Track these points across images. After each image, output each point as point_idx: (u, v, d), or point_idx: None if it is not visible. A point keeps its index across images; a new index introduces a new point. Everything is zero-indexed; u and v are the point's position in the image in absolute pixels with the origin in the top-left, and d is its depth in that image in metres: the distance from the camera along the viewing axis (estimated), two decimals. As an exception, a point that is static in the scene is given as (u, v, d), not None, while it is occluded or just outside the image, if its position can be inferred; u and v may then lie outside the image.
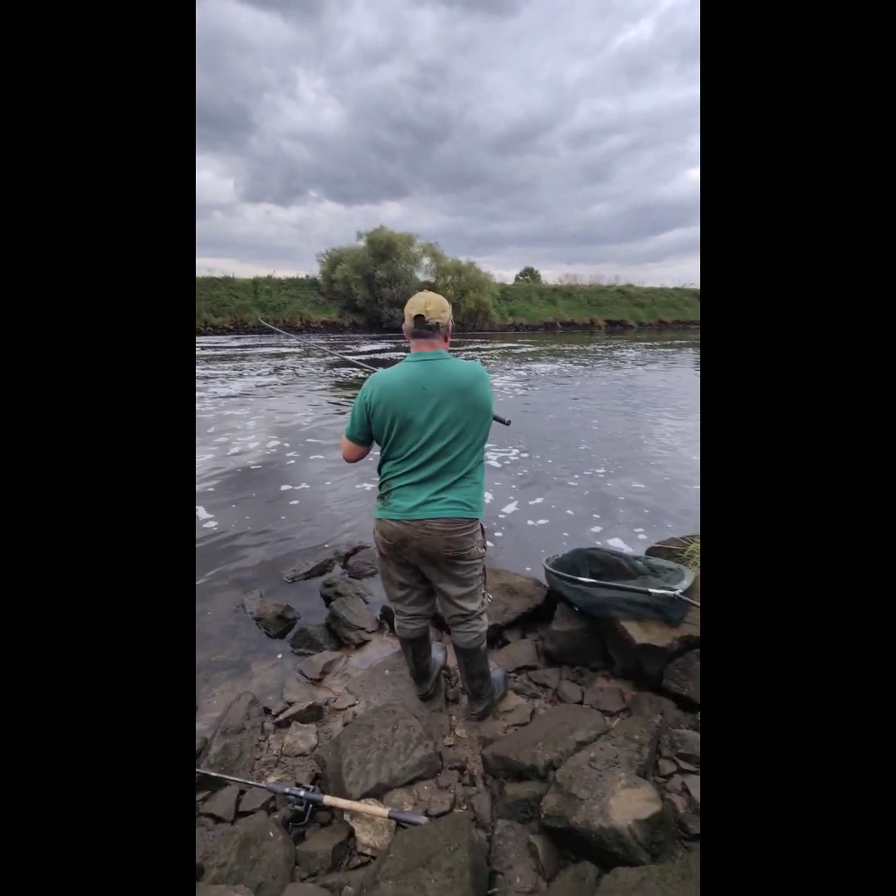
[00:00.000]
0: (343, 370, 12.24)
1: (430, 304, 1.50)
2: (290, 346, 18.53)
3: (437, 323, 1.49)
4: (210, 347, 18.34)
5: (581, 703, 1.81)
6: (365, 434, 1.57)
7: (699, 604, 1.80)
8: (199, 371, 12.07)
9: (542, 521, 3.75)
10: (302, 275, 30.90)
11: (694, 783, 1.30)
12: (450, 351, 1.57)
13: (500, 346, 20.38)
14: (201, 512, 3.86)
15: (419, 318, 1.49)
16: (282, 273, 30.60)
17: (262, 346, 18.88)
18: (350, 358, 3.04)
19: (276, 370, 12.52)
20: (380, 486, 1.59)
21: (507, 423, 2.06)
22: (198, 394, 8.84)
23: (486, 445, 1.60)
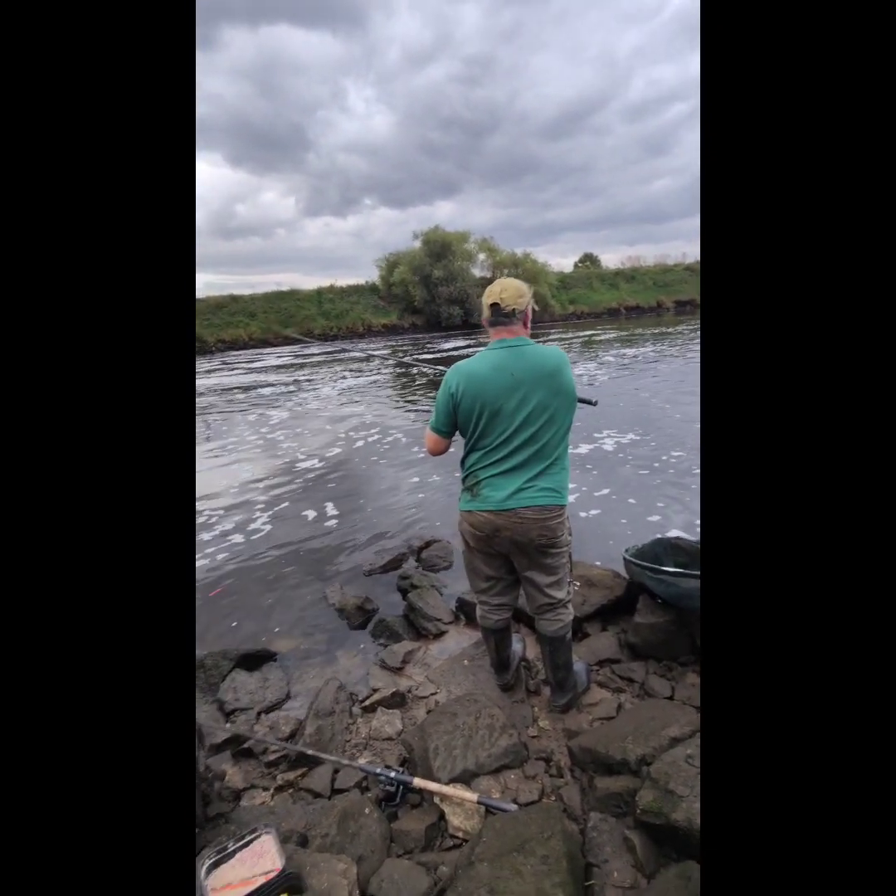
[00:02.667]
0: (411, 370, 12.42)
1: (505, 290, 1.48)
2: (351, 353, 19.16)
3: (514, 309, 1.47)
4: (288, 355, 19.40)
5: (671, 698, 1.72)
6: (450, 425, 1.56)
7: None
8: (286, 377, 12.77)
9: (615, 514, 3.62)
10: (362, 281, 31.92)
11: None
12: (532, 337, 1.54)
13: (581, 334, 19.88)
14: (283, 509, 4.09)
15: (495, 307, 1.48)
16: (343, 281, 31.75)
17: (323, 353, 19.69)
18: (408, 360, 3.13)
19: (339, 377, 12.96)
20: (465, 478, 1.58)
21: (594, 404, 2.02)
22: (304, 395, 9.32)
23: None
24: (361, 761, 1.63)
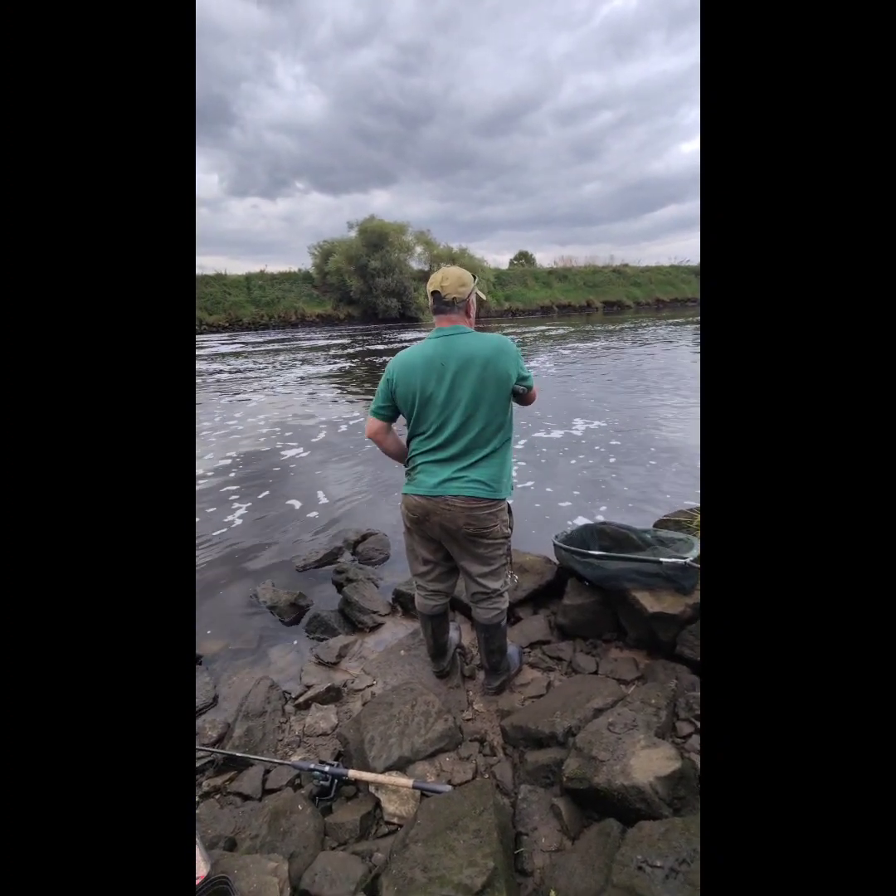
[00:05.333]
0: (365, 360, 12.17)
1: (447, 279, 1.48)
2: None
3: (454, 298, 1.47)
4: (213, 346, 18.27)
5: (596, 673, 1.83)
6: (389, 410, 1.59)
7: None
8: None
9: (546, 501, 3.77)
10: (294, 268, 30.69)
11: (712, 742, 1.32)
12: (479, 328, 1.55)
13: (535, 328, 20.35)
14: (212, 507, 3.88)
15: (435, 295, 1.49)
16: (274, 267, 30.30)
17: (271, 342, 18.78)
18: None
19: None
20: (406, 462, 1.62)
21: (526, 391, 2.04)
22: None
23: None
24: (294, 759, 1.59)
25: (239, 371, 11.75)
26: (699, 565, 1.82)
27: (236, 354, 15.35)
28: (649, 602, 1.81)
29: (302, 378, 10.35)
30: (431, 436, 1.50)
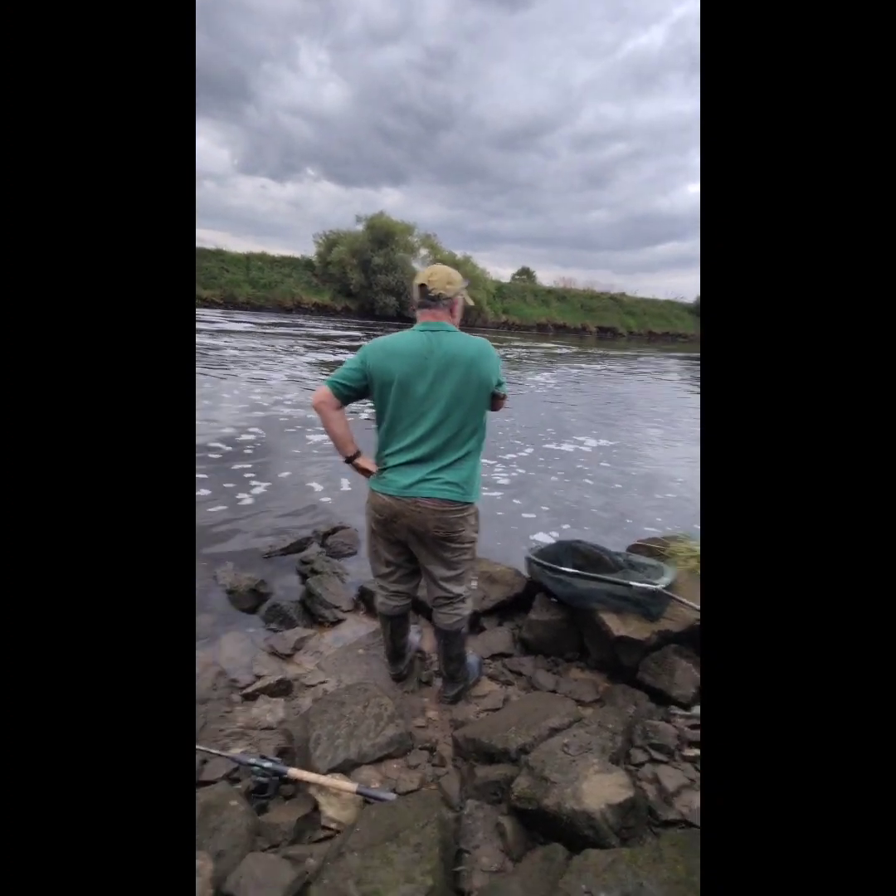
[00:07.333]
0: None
1: (435, 274, 1.46)
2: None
3: (440, 294, 1.44)
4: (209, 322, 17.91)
5: (555, 691, 1.80)
6: (349, 390, 1.47)
7: (679, 599, 1.81)
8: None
9: (510, 510, 3.75)
10: (296, 254, 30.35)
11: (665, 773, 1.30)
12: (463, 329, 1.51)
13: (541, 345, 20.46)
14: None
15: (422, 287, 1.45)
16: (275, 250, 29.98)
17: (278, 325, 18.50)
18: None
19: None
20: (376, 459, 1.54)
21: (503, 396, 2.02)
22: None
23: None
24: (234, 751, 1.51)
25: (253, 349, 11.59)
26: (669, 592, 1.81)
27: (248, 333, 15.06)
28: (616, 625, 1.79)
29: (319, 363, 10.32)
30: (405, 432, 1.44)
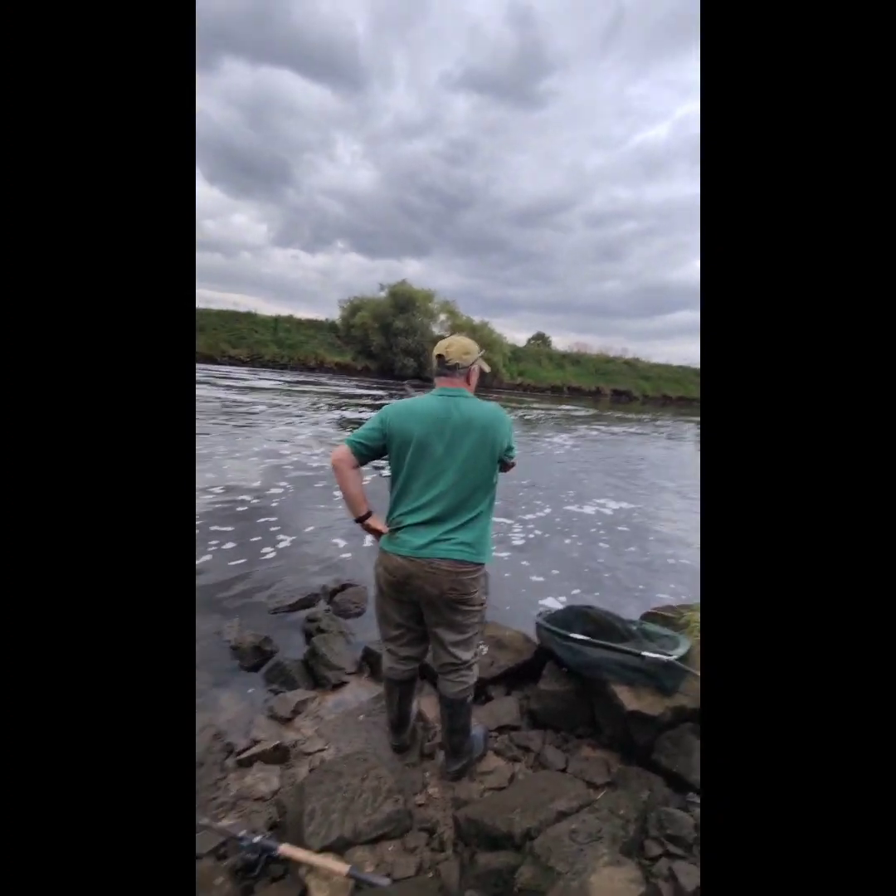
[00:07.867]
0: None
1: (452, 345, 1.55)
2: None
3: (457, 363, 1.53)
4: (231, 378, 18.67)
5: (564, 770, 1.70)
6: (368, 450, 1.51)
7: (696, 672, 1.73)
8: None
9: (518, 572, 3.67)
10: (321, 317, 32.14)
11: (682, 869, 1.19)
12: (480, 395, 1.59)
13: (559, 407, 20.91)
14: (211, 538, 3.79)
15: (440, 358, 1.54)
16: (303, 314, 31.81)
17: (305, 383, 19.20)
18: None
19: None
20: (388, 520, 1.55)
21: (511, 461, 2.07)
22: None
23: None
24: (225, 823, 1.44)
25: (277, 405, 12.15)
26: (684, 665, 1.74)
27: (276, 390, 15.73)
28: (628, 698, 1.71)
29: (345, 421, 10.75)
30: (420, 492, 1.47)
